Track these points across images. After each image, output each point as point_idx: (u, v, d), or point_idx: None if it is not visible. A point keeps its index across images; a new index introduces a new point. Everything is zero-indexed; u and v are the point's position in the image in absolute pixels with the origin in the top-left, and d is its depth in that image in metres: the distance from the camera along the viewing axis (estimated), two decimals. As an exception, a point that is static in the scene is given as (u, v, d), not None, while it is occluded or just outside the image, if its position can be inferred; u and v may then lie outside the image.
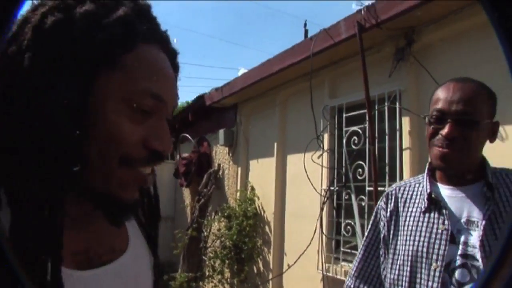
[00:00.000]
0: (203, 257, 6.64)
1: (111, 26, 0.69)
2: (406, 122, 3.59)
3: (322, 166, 4.49)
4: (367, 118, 3.64)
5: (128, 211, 0.78)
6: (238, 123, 6.86)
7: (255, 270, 6.00)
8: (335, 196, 4.41)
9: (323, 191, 4.48)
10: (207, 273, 6.36)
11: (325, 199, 4.40)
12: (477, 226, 1.39)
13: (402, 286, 1.48)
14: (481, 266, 1.34)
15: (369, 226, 1.71)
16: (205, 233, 6.76)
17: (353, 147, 4.12)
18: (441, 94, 1.47)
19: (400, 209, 1.59)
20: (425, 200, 1.51)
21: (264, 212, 5.97)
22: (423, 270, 1.43)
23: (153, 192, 0.97)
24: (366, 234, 1.72)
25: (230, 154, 7.16)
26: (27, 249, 0.63)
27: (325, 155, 4.53)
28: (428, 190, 1.51)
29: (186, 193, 8.86)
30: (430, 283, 1.40)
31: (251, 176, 6.51)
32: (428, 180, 1.55)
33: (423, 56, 3.55)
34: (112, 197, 0.73)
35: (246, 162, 6.66)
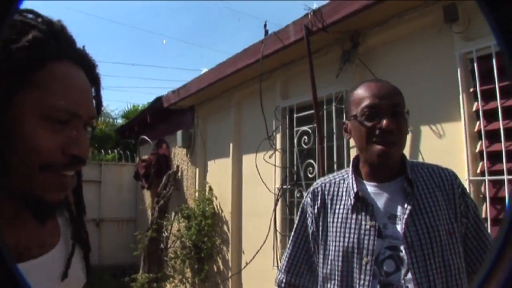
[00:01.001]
0: (164, 257, 6.58)
1: (20, 49, 0.76)
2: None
3: (275, 165, 4.52)
4: (315, 119, 3.68)
5: (51, 211, 0.88)
6: (196, 124, 6.82)
7: (215, 269, 5.98)
8: (287, 194, 4.44)
9: (276, 189, 4.50)
10: (168, 273, 6.29)
11: (278, 197, 4.43)
12: (400, 220, 1.44)
13: (335, 279, 1.51)
14: (405, 256, 1.40)
15: (296, 222, 1.71)
16: (166, 234, 6.71)
17: (304, 146, 4.15)
18: (366, 93, 1.49)
19: (328, 205, 1.61)
20: (352, 198, 1.53)
21: (222, 211, 5.96)
22: (355, 265, 1.46)
23: (80, 193, 1.04)
24: (294, 229, 1.72)
25: (188, 155, 7.11)
26: None
27: (278, 154, 4.56)
28: (355, 189, 1.53)
29: (147, 195, 8.75)
30: (362, 276, 1.43)
31: (209, 176, 6.48)
32: (353, 178, 1.57)
33: (368, 57, 3.61)
34: (37, 198, 0.81)
35: (204, 163, 6.62)
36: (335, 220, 1.56)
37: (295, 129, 4.32)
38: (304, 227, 1.67)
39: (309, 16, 3.59)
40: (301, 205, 1.73)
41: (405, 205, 1.45)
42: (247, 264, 4.99)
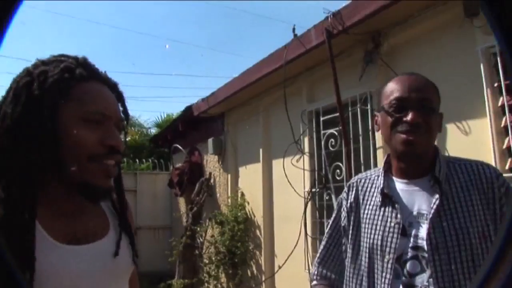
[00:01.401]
0: (199, 263, 6.65)
1: (56, 74, 1.03)
2: (378, 122, 3.61)
3: (303, 169, 4.52)
4: (339, 121, 3.67)
5: (102, 194, 1.08)
6: (226, 131, 6.88)
7: (249, 273, 6.00)
8: (317, 197, 4.43)
9: (305, 193, 4.50)
10: (203, 279, 6.36)
11: (308, 200, 4.42)
12: (426, 219, 1.39)
13: (361, 275, 1.51)
14: (429, 257, 1.35)
15: (333, 216, 1.71)
16: (200, 240, 6.77)
17: (331, 148, 4.14)
18: (397, 86, 1.47)
19: (360, 201, 1.59)
20: (379, 194, 1.52)
21: (254, 216, 5.99)
22: (378, 262, 1.45)
23: (121, 186, 1.24)
24: (329, 223, 1.72)
25: (220, 162, 7.17)
26: (13, 218, 0.94)
27: (306, 158, 4.56)
28: (381, 186, 1.51)
29: (181, 202, 8.86)
30: (384, 274, 1.41)
31: (240, 182, 6.53)
32: (383, 175, 1.54)
33: (390, 57, 3.58)
34: (89, 185, 1.03)
35: (236, 169, 6.67)
36: (365, 216, 1.55)
37: (322, 132, 4.32)
38: (338, 221, 1.67)
39: (329, 19, 3.59)
40: (338, 200, 1.73)
41: (432, 204, 1.40)
42: (279, 268, 4.99)
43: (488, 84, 2.76)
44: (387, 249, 1.43)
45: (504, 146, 2.70)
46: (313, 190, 4.42)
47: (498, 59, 2.67)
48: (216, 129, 7.19)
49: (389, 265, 1.41)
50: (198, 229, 6.61)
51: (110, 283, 1.11)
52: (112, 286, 1.12)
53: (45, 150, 0.99)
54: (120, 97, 1.17)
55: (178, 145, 8.56)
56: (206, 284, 6.30)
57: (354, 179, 1.69)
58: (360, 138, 3.80)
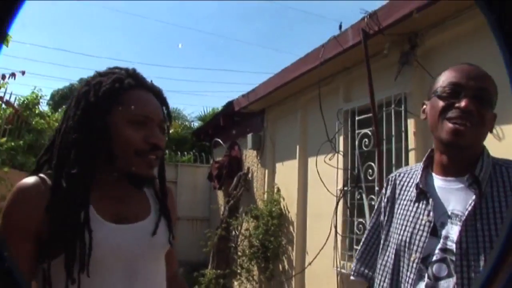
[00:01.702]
0: (233, 255, 6.77)
1: (108, 83, 1.27)
2: (411, 123, 3.59)
3: (337, 168, 4.53)
4: (373, 122, 3.67)
5: (145, 182, 1.33)
6: (265, 127, 6.96)
7: (280, 268, 6.07)
8: (348, 196, 4.44)
9: (337, 191, 4.52)
10: (235, 270, 6.47)
11: (339, 199, 4.44)
12: (460, 220, 1.31)
13: (386, 272, 1.47)
14: (457, 262, 1.28)
15: (374, 210, 1.68)
16: (235, 232, 6.88)
17: (364, 148, 4.14)
18: (454, 72, 1.40)
19: (396, 195, 1.54)
20: (414, 189, 1.46)
21: (288, 212, 6.04)
22: (405, 260, 1.40)
23: (163, 176, 1.45)
24: (371, 218, 1.70)
25: (258, 157, 7.26)
26: (70, 203, 1.17)
27: (340, 157, 4.57)
28: (417, 180, 1.45)
29: (220, 195, 9.01)
30: (408, 273, 1.37)
31: (277, 178, 6.59)
32: (422, 169, 1.47)
33: (426, 59, 3.55)
34: (135, 174, 1.26)
35: (273, 165, 6.74)
36: (399, 211, 1.50)
37: (357, 131, 4.32)
38: (377, 216, 1.63)
39: (365, 19, 3.60)
40: (380, 195, 1.69)
41: (468, 205, 1.31)
42: (309, 264, 5.03)
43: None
44: (414, 247, 1.37)
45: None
46: (345, 188, 4.43)
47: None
48: (256, 125, 7.28)
49: (414, 265, 1.36)
50: (234, 222, 6.72)
51: (148, 257, 1.30)
52: (149, 260, 1.30)
53: (99, 146, 1.23)
54: (163, 102, 1.37)
55: (219, 140, 8.71)
56: (238, 276, 6.41)
57: (393, 173, 1.65)
58: (393, 139, 3.78)
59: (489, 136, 2.99)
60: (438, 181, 1.42)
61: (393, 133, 3.78)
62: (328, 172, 4.62)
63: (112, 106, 1.25)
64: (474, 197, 1.31)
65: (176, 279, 1.56)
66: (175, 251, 1.53)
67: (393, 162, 3.75)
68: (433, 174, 1.45)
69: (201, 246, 7.23)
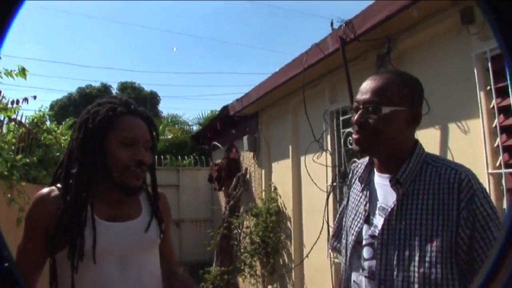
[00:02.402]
0: (236, 253, 7.03)
1: (103, 112, 1.54)
2: (389, 121, 3.85)
3: (326, 165, 4.80)
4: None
5: (133, 190, 1.56)
6: (260, 129, 7.23)
7: (281, 262, 6.33)
8: (337, 191, 4.71)
9: (328, 187, 4.79)
10: (238, 267, 6.74)
11: (329, 194, 4.71)
12: (385, 214, 1.47)
13: (345, 251, 1.68)
14: (378, 249, 1.46)
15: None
16: (237, 231, 7.15)
17: (349, 146, 4.41)
18: (360, 88, 1.56)
19: (352, 184, 1.73)
20: (359, 182, 1.64)
21: (285, 209, 6.31)
22: (348, 242, 1.62)
23: (155, 185, 1.75)
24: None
25: (255, 158, 7.53)
26: (76, 207, 1.45)
27: (329, 154, 4.84)
28: (360, 174, 1.63)
29: (221, 196, 9.28)
30: (348, 253, 1.60)
31: (273, 177, 6.86)
32: (366, 165, 1.64)
33: (400, 61, 3.81)
34: (125, 185, 1.52)
35: (269, 165, 7.00)
36: (351, 198, 1.71)
37: (341, 130, 4.59)
38: (345, 199, 1.84)
39: (342, 27, 3.86)
40: None
41: (391, 203, 1.47)
42: (306, 256, 5.30)
43: (481, 87, 2.96)
44: (352, 231, 1.60)
45: (495, 145, 2.90)
46: (334, 184, 4.70)
47: (489, 64, 2.88)
48: (251, 127, 7.54)
49: (350, 245, 1.59)
50: (234, 221, 7.00)
51: (138, 250, 1.55)
52: (140, 252, 1.56)
53: (96, 163, 1.51)
54: (150, 124, 1.64)
55: (216, 143, 8.98)
56: (241, 272, 6.69)
57: (355, 163, 1.82)
58: (374, 136, 4.05)
59: (457, 130, 3.26)
60: (376, 177, 1.59)
61: (374, 131, 4.04)
62: (318, 169, 4.89)
63: (107, 131, 1.51)
64: (395, 196, 1.47)
65: (176, 273, 1.79)
66: (173, 248, 1.86)
67: (375, 157, 4.02)
68: (375, 170, 1.62)
69: (205, 245, 7.51)
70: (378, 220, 1.51)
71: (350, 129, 4.40)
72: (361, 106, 1.50)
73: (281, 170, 6.47)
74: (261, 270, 6.64)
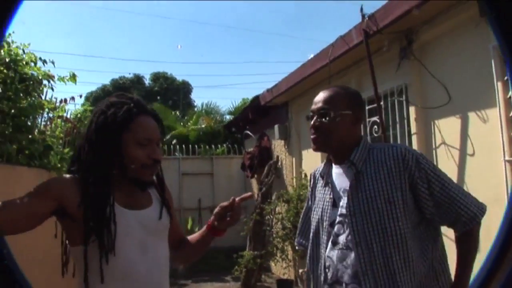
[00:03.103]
0: (269, 238, 7.27)
1: (121, 114, 1.62)
2: (412, 111, 3.98)
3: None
4: (377, 111, 4.08)
5: (147, 184, 1.70)
6: (290, 118, 7.41)
7: (311, 246, 6.52)
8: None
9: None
10: (270, 251, 6.98)
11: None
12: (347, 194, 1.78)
13: (313, 239, 1.94)
14: (347, 220, 1.74)
15: (306, 198, 2.19)
16: (269, 216, 7.38)
17: (374, 134, 4.55)
18: (314, 100, 1.92)
19: (316, 185, 2.01)
20: (321, 178, 1.96)
21: (315, 195, 6.48)
22: (321, 228, 1.88)
23: (161, 177, 1.84)
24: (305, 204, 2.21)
25: (286, 146, 7.73)
26: (98, 198, 1.55)
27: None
28: (319, 171, 1.98)
29: (254, 183, 9.50)
30: (324, 237, 1.85)
31: (304, 164, 7.05)
32: (324, 164, 1.97)
33: (421, 53, 3.92)
34: (140, 179, 1.65)
35: (299, 153, 7.19)
36: (316, 195, 1.98)
37: (367, 119, 4.73)
38: (307, 201, 2.15)
39: (365, 21, 4.00)
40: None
41: (349, 182, 1.77)
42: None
43: (499, 78, 3.07)
44: (325, 217, 1.86)
45: (512, 133, 3.02)
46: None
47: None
48: (282, 116, 7.73)
49: (325, 228, 1.84)
50: (266, 207, 7.23)
51: (156, 235, 1.68)
52: (157, 237, 1.69)
53: (115, 160, 1.62)
54: (159, 121, 1.75)
55: (248, 132, 9.20)
56: (273, 256, 6.93)
57: (312, 170, 2.13)
58: (397, 125, 4.19)
59: (477, 119, 3.38)
60: (334, 169, 1.90)
61: (397, 120, 4.18)
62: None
63: (123, 132, 1.60)
64: (352, 175, 1.77)
65: (186, 240, 1.97)
66: (179, 225, 2.01)
67: (399, 145, 4.16)
68: (332, 165, 1.92)
69: (239, 231, 7.77)
70: (343, 201, 1.79)
71: (375, 118, 4.54)
72: (314, 114, 1.85)
73: (311, 158, 6.64)
74: (293, 254, 6.86)
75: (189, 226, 9.29)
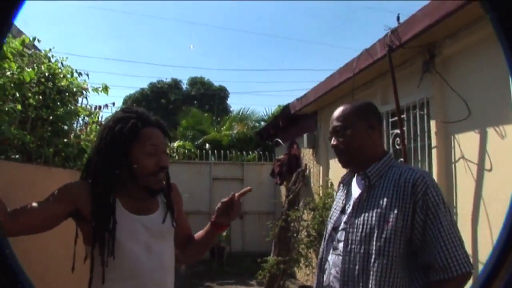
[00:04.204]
0: (294, 244, 7.32)
1: (127, 128, 1.74)
2: (433, 124, 3.99)
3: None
4: (398, 124, 4.10)
5: (158, 191, 1.81)
6: (318, 127, 7.47)
7: (335, 255, 6.53)
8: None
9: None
10: (294, 257, 7.03)
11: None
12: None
13: (323, 243, 2.02)
14: (347, 230, 1.80)
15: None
16: (295, 223, 7.43)
17: (397, 147, 4.57)
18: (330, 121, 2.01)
19: (338, 191, 2.13)
20: (343, 185, 2.05)
21: (340, 204, 6.50)
22: (327, 231, 2.00)
23: (169, 183, 1.95)
24: None
25: (314, 155, 7.78)
26: (102, 201, 1.68)
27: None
28: (341, 179, 2.07)
29: (283, 190, 9.58)
30: (329, 240, 1.95)
31: (330, 173, 7.07)
32: (348, 173, 2.05)
33: (444, 67, 3.92)
34: (150, 187, 1.76)
35: (327, 162, 7.23)
36: (335, 201, 2.09)
37: (390, 131, 4.75)
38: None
39: (388, 35, 4.04)
40: None
41: (360, 192, 1.85)
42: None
43: (517, 94, 3.07)
44: (331, 220, 1.97)
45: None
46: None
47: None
48: (311, 125, 7.79)
49: (328, 232, 1.96)
50: (292, 214, 7.29)
51: (160, 238, 1.80)
52: (161, 239, 1.81)
53: (123, 171, 1.73)
54: (165, 133, 1.86)
55: (279, 139, 9.30)
56: (297, 262, 6.98)
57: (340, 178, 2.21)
58: (418, 138, 4.20)
59: (495, 135, 3.37)
60: (355, 178, 1.97)
61: (418, 133, 4.19)
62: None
63: (132, 144, 1.71)
64: (364, 188, 1.83)
65: (193, 238, 2.07)
66: (188, 224, 2.11)
67: (419, 158, 4.17)
68: (355, 174, 1.99)
69: (265, 236, 7.87)
70: (349, 209, 1.86)
71: (397, 131, 4.56)
72: (332, 134, 1.96)
73: (338, 167, 6.59)
74: (316, 261, 6.87)
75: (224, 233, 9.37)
